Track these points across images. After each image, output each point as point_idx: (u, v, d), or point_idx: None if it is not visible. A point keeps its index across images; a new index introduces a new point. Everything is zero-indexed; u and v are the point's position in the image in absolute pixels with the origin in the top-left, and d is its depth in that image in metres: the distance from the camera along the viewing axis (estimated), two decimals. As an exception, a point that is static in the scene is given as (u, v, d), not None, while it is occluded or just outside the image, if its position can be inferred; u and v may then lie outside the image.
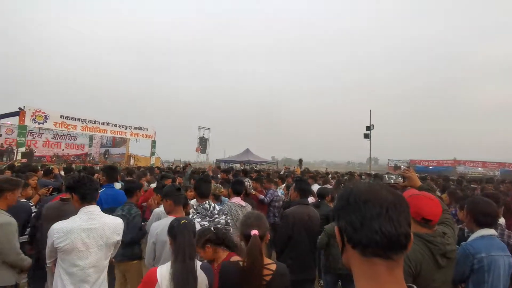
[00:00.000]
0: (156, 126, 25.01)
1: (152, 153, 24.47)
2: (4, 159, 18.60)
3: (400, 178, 2.28)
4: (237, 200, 3.65)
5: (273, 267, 1.84)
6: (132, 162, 24.38)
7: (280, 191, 6.20)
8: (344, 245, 0.76)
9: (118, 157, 27.02)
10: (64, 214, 2.52)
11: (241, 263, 1.81)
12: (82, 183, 2.25)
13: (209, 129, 28.54)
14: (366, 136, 24.52)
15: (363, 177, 10.15)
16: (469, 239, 2.25)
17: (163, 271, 1.85)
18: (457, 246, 2.36)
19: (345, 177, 8.50)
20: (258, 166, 24.53)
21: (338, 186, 5.97)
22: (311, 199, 4.61)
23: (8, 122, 20.69)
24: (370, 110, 24.61)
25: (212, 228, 2.27)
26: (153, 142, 24.84)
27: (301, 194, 3.38)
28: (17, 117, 17.83)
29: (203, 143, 27.60)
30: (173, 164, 24.77)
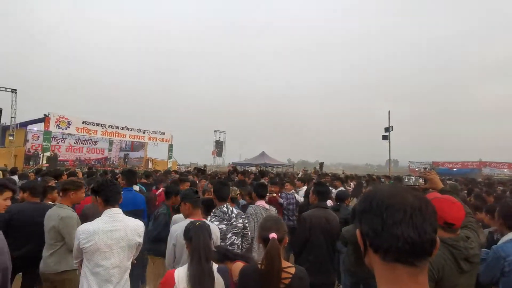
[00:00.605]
0: (173, 130, 25.46)
1: (169, 157, 24.93)
2: (31, 163, 19.40)
3: (421, 180, 2.22)
4: (261, 203, 3.75)
5: (292, 270, 1.83)
6: (150, 165, 24.89)
7: (301, 193, 6.15)
8: (366, 248, 0.76)
9: (136, 161, 27.66)
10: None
11: (259, 266, 1.81)
12: (106, 187, 2.34)
13: (224, 133, 28.76)
14: (385, 137, 23.90)
15: (382, 179, 9.91)
16: (500, 242, 2.24)
17: (181, 273, 1.88)
18: (486, 249, 2.30)
19: (363, 181, 8.34)
20: (274, 169, 24.47)
21: (358, 188, 5.86)
22: (329, 203, 4.55)
23: (35, 128, 21.60)
24: (389, 111, 24.00)
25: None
26: (170, 146, 25.29)
27: (320, 197, 3.34)
28: (43, 123, 18.61)
29: (219, 147, 27.82)
30: (189, 167, 25.09)
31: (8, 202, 2.65)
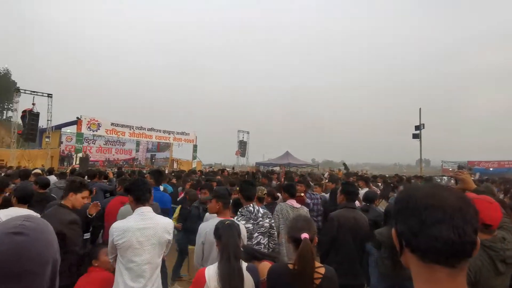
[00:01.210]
0: (197, 131, 25.92)
1: (194, 157, 25.40)
2: (65, 163, 20.47)
3: (452, 181, 2.12)
4: (292, 202, 3.82)
5: (322, 270, 1.82)
6: (175, 166, 25.49)
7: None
8: (402, 249, 0.75)
9: (162, 161, 28.44)
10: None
11: (290, 265, 1.79)
12: (137, 186, 2.42)
13: (248, 133, 28.86)
14: (416, 136, 22.90)
15: (412, 180, 9.54)
16: None
17: (211, 271, 1.90)
18: None
19: (390, 182, 8.06)
20: (298, 169, 24.27)
21: (387, 189, 5.68)
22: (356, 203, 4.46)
23: (68, 130, 22.78)
24: (420, 108, 23.01)
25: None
26: (195, 147, 25.77)
27: (348, 197, 3.27)
28: (75, 125, 19.57)
29: (242, 147, 27.97)
30: (213, 167, 25.45)
31: (85, 200, 2.92)
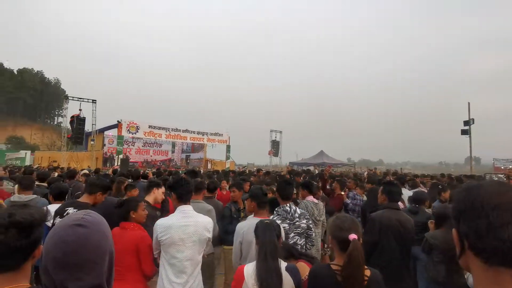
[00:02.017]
0: (230, 131, 26.28)
1: (227, 157, 25.78)
2: (108, 164, 21.76)
3: (505, 179, 1.90)
4: (310, 198, 3.94)
5: (368, 273, 1.73)
6: (209, 166, 26.07)
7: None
8: (463, 250, 0.71)
9: (197, 161, 29.23)
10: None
11: (333, 267, 1.72)
12: (180, 184, 2.49)
13: (280, 132, 28.74)
14: (465, 132, 21.06)
15: (463, 179, 8.84)
16: None
17: (249, 269, 1.91)
18: None
19: (437, 183, 7.50)
20: (333, 168, 23.73)
21: (434, 190, 5.30)
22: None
23: (110, 134, 24.20)
24: (469, 103, 21.32)
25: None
26: (228, 147, 26.16)
27: (390, 197, 3.10)
28: (116, 129, 20.74)
29: (275, 146, 27.90)
30: (246, 167, 25.64)
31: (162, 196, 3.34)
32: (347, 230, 1.73)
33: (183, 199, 2.50)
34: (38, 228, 0.96)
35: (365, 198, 5.42)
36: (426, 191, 5.61)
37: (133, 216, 2.55)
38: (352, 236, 1.68)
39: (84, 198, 3.00)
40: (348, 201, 5.17)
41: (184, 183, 2.52)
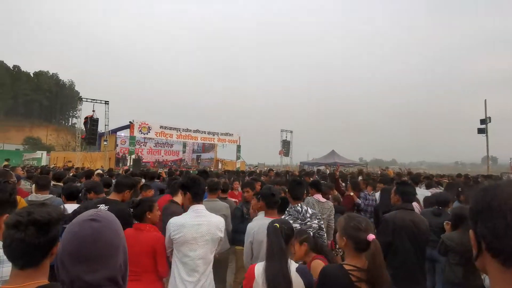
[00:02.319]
0: (240, 131, 26.33)
1: (238, 157, 25.83)
2: (120, 164, 22.13)
3: None
4: (318, 196, 4.04)
5: None
6: (220, 166, 26.19)
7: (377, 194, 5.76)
8: (480, 252, 0.70)
9: (207, 161, 29.41)
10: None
11: (346, 267, 1.70)
12: (196, 184, 2.51)
13: (291, 132, 28.63)
14: (481, 130, 20.30)
15: (479, 179, 8.59)
16: None
17: (260, 269, 1.92)
18: None
19: (453, 183, 7.28)
20: (346, 168, 23.49)
21: (451, 191, 5.18)
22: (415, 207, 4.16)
23: (122, 134, 24.60)
24: (485, 100, 20.62)
25: (311, 234, 2.25)
26: (238, 147, 26.22)
27: (404, 198, 3.04)
28: (128, 129, 21.06)
29: (286, 146, 27.81)
30: (257, 167, 25.66)
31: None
32: (365, 230, 1.71)
33: (197, 199, 2.52)
34: (56, 226, 1.01)
35: (377, 196, 5.36)
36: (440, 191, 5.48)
37: (149, 216, 2.60)
38: (371, 237, 1.66)
39: (113, 196, 3.18)
40: (359, 201, 5.11)
41: (198, 182, 2.53)
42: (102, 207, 2.84)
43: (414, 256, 2.76)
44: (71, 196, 3.68)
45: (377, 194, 5.68)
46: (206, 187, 4.01)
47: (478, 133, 20.56)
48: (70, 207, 3.35)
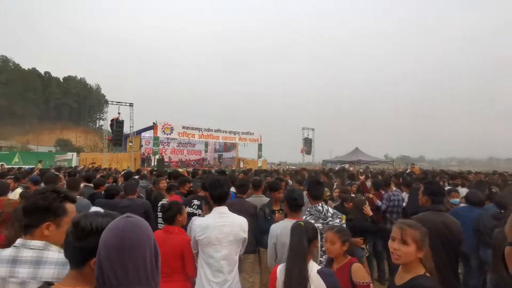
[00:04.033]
0: (261, 129, 26.34)
1: (259, 156, 25.88)
2: (145, 165, 22.78)
3: None
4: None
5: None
6: (241, 165, 26.34)
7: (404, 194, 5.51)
8: None
9: (229, 160, 29.66)
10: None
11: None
12: (217, 186, 2.51)
13: (313, 130, 28.33)
14: None
15: None
16: None
17: (281, 269, 1.94)
18: None
19: (482, 181, 6.74)
20: (370, 166, 22.94)
21: (480, 188, 4.89)
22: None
23: (146, 135, 25.31)
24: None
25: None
26: (260, 146, 26.26)
27: (433, 198, 2.92)
28: (152, 130, 21.65)
29: (307, 144, 27.55)
30: (280, 165, 25.59)
31: None
32: None
33: (218, 202, 2.52)
34: (93, 236, 1.05)
35: (405, 197, 5.16)
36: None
37: (179, 219, 2.69)
38: None
39: (202, 192, 3.87)
40: (379, 203, 4.89)
41: (219, 185, 2.52)
42: (196, 201, 3.73)
43: (447, 259, 2.63)
44: (110, 196, 4.10)
45: (404, 194, 5.47)
46: (251, 184, 4.27)
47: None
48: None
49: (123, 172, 8.55)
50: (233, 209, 2.66)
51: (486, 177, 9.11)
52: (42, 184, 4.31)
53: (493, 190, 4.46)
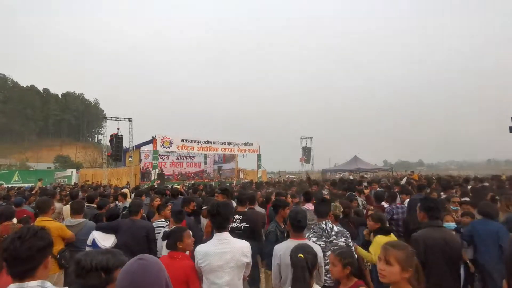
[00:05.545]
0: (260, 139, 26.40)
1: (259, 166, 25.86)
2: (145, 179, 22.74)
3: None
4: (308, 206, 4.38)
5: None
6: (241, 176, 26.31)
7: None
8: None
9: (229, 172, 29.62)
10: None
11: None
12: (218, 213, 2.51)
13: (311, 138, 28.43)
14: None
15: None
16: None
17: None
18: None
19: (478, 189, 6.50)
20: (369, 174, 22.93)
21: (479, 194, 4.86)
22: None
23: (146, 149, 25.33)
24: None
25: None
26: (259, 156, 26.26)
27: (429, 215, 2.94)
28: (151, 144, 21.69)
29: (306, 153, 27.61)
30: (280, 176, 25.56)
31: None
32: None
33: (221, 228, 2.53)
34: (93, 274, 1.12)
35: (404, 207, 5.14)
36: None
37: (180, 246, 2.62)
38: None
39: (239, 208, 4.04)
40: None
41: (220, 213, 2.51)
42: (237, 216, 3.83)
43: (449, 275, 2.66)
44: (111, 219, 4.09)
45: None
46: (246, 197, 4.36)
47: (510, 131, 19.42)
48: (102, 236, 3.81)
49: (122, 189, 8.55)
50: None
51: (483, 182, 8.92)
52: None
53: (496, 198, 4.40)
